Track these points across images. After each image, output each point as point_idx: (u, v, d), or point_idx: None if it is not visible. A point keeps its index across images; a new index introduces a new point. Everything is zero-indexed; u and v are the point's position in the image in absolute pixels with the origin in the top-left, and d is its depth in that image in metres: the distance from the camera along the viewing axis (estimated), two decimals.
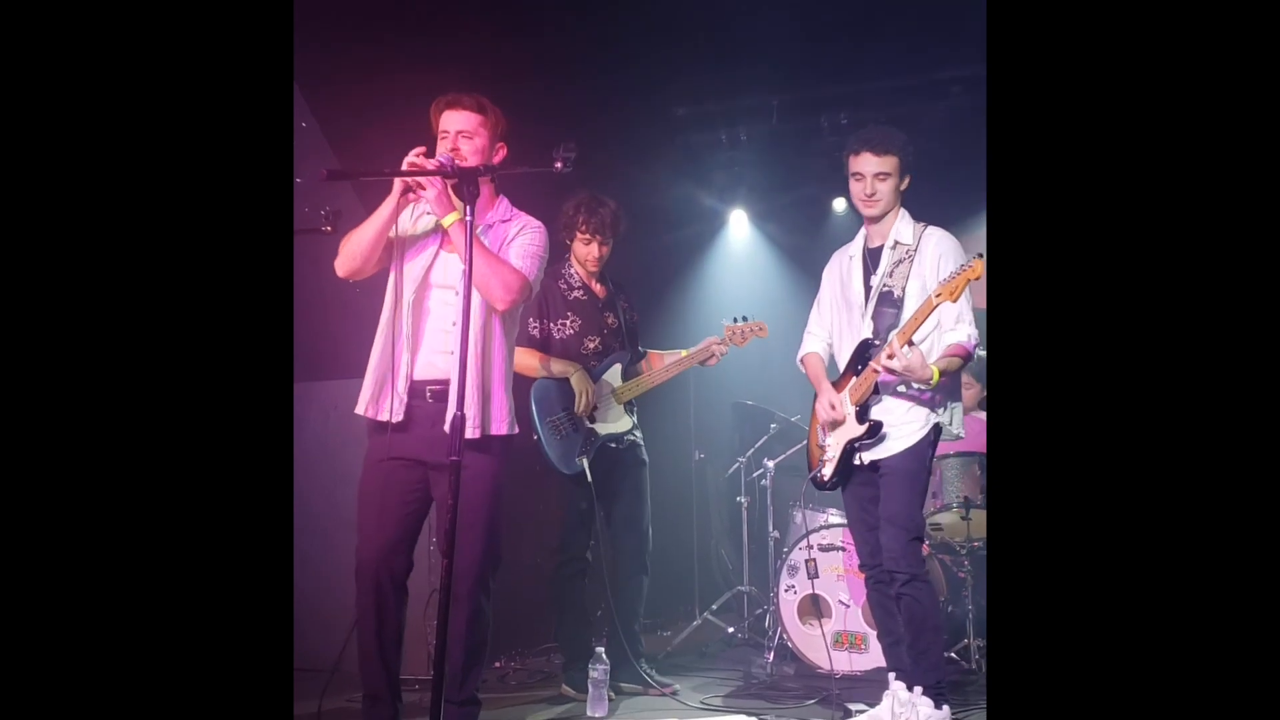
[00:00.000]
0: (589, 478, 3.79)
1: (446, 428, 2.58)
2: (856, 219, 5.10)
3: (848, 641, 4.18)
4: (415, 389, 2.86)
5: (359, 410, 2.89)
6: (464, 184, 2.44)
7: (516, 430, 2.96)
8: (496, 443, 2.89)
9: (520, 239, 2.92)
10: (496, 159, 2.91)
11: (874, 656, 4.11)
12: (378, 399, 2.87)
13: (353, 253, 2.82)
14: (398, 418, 2.82)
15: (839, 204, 6.38)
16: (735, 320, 4.09)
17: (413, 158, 2.71)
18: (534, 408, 3.82)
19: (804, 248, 6.40)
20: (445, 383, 2.82)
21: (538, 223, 2.98)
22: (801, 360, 3.55)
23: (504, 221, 2.96)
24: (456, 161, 2.74)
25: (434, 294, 2.89)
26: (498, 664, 4.45)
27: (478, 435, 2.81)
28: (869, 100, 5.79)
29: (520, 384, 3.90)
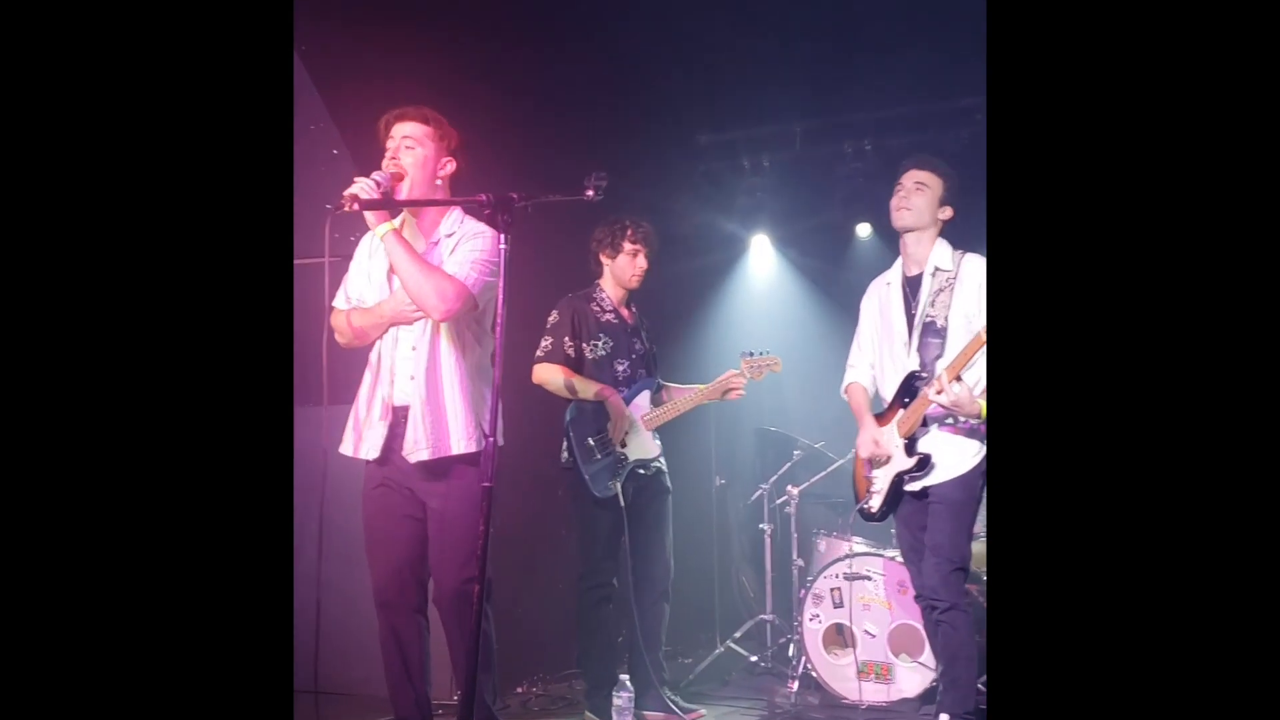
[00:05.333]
0: (622, 502, 3.79)
1: (409, 457, 2.79)
2: (879, 244, 5.05)
3: (873, 671, 4.14)
4: (395, 414, 2.87)
5: (342, 449, 2.94)
6: (497, 213, 2.43)
7: (487, 443, 2.61)
8: (459, 464, 2.83)
9: (462, 247, 2.85)
10: (445, 172, 2.91)
11: (900, 687, 4.08)
12: (356, 434, 2.91)
13: (356, 336, 2.91)
14: (373, 453, 2.86)
15: (863, 229, 6.37)
16: (752, 354, 4.10)
17: (359, 189, 2.67)
18: (569, 430, 3.83)
19: (827, 273, 6.39)
20: (407, 408, 2.84)
21: (483, 227, 2.87)
22: (845, 390, 3.54)
23: (448, 235, 2.90)
24: (390, 172, 2.77)
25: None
26: (520, 689, 4.43)
27: (428, 458, 2.80)
28: (892, 127, 5.80)
29: (555, 405, 3.92)
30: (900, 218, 3.31)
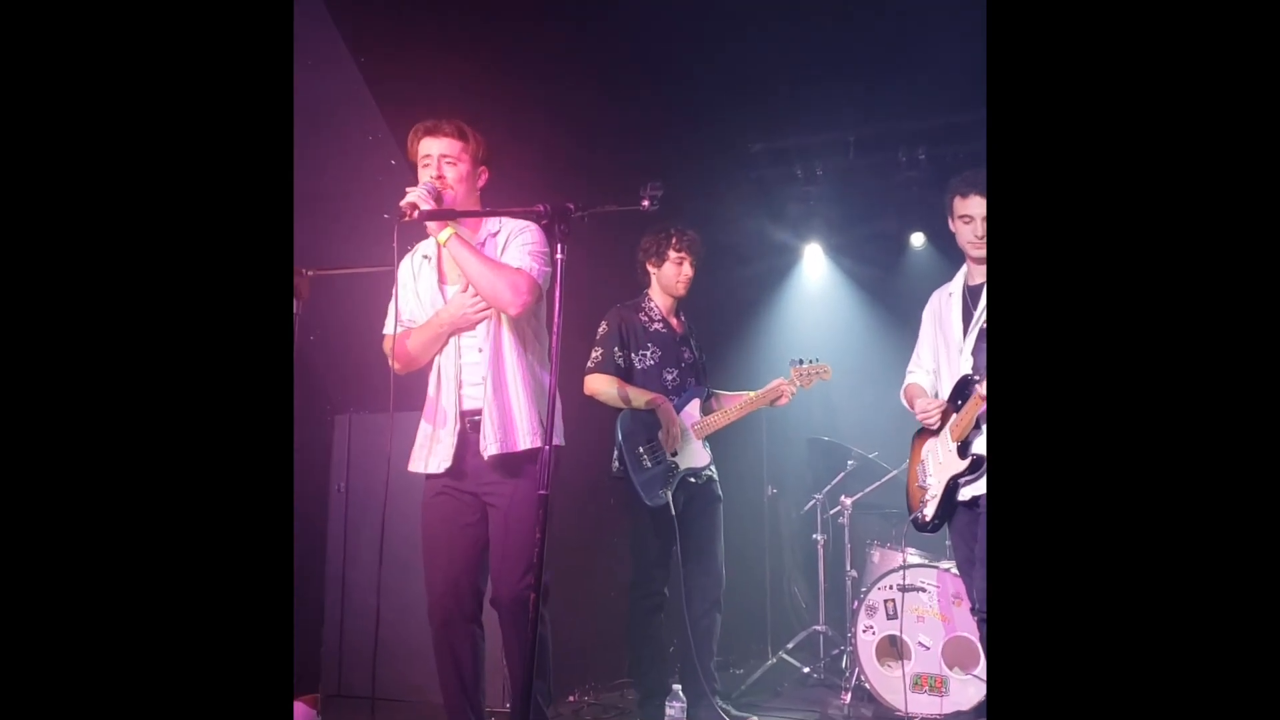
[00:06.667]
0: (673, 511, 3.80)
1: (483, 454, 2.80)
2: (934, 253, 4.93)
3: (927, 684, 4.09)
4: (465, 420, 2.89)
5: (412, 468, 2.94)
6: (554, 223, 2.42)
7: (556, 443, 2.73)
8: (527, 460, 2.84)
9: (513, 241, 2.88)
10: (480, 183, 2.95)
11: (954, 700, 4.03)
12: (427, 450, 2.92)
13: (414, 358, 2.92)
14: (445, 464, 2.86)
15: (917, 238, 6.32)
16: (801, 362, 4.09)
17: (416, 197, 2.68)
18: (620, 439, 3.84)
19: (881, 282, 6.35)
20: (479, 411, 2.86)
21: (526, 222, 2.87)
22: (903, 391, 3.51)
23: (493, 235, 2.92)
24: (440, 188, 2.79)
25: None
26: (572, 697, 4.45)
27: (499, 452, 2.81)
28: (946, 135, 5.75)
29: (606, 414, 3.94)
30: (980, 251, 3.22)
